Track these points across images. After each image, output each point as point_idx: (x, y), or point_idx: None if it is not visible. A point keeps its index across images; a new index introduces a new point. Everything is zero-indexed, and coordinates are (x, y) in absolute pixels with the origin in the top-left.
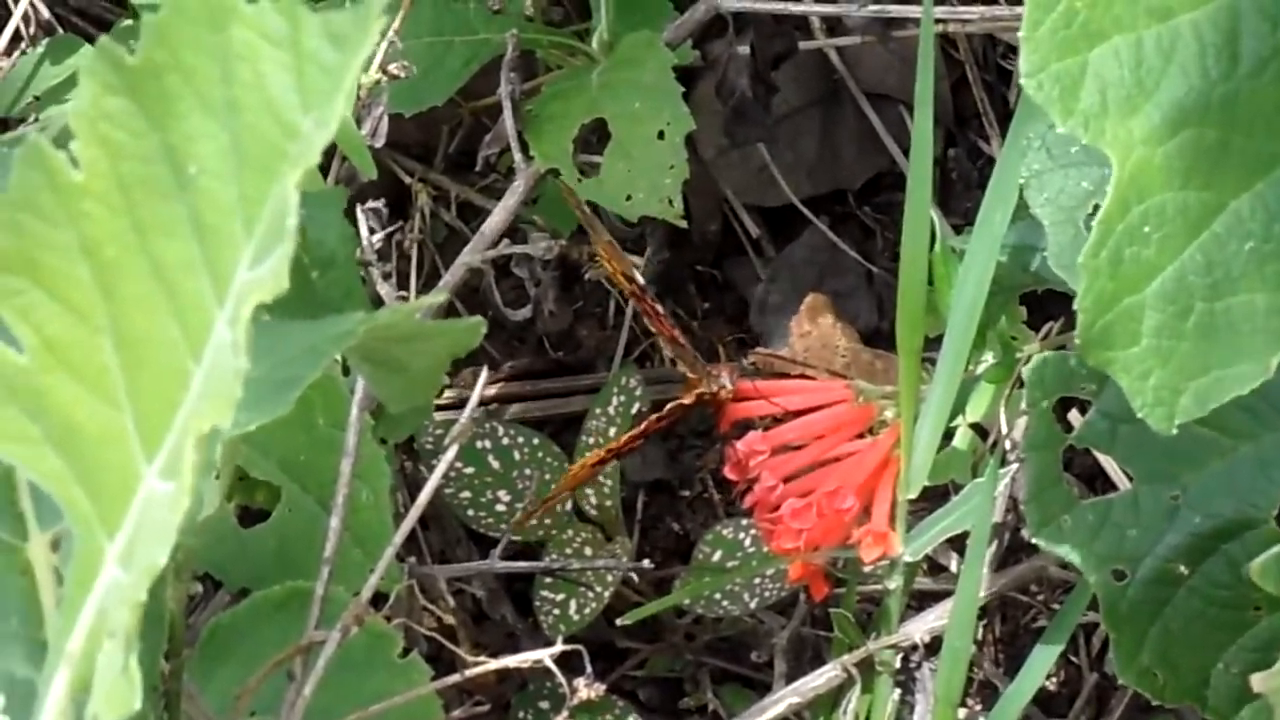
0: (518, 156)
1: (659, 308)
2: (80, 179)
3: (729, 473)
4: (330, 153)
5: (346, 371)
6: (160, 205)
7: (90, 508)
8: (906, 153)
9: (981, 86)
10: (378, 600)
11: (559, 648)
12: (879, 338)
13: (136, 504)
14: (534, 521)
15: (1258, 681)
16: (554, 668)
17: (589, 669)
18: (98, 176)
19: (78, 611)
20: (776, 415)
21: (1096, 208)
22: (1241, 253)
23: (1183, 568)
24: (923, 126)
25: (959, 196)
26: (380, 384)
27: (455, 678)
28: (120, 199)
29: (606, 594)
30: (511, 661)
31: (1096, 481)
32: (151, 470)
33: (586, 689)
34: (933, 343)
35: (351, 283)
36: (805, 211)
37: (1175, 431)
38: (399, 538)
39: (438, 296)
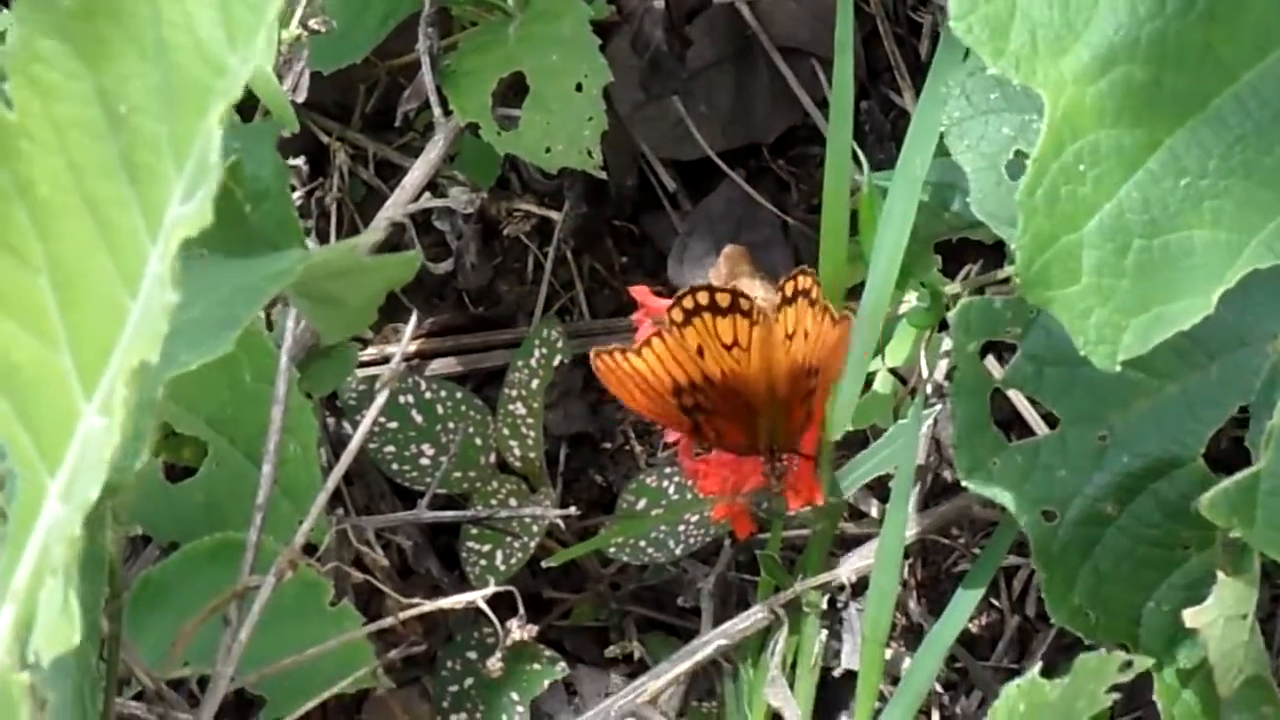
0: (437, 112)
1: None
2: (14, 119)
3: None
4: (253, 106)
5: (270, 326)
6: (93, 145)
7: (32, 446)
8: (819, 105)
9: (893, 40)
10: (307, 552)
11: (491, 589)
12: None
13: (76, 441)
14: (458, 474)
15: (1190, 617)
16: (487, 609)
17: (521, 611)
18: (31, 117)
19: (22, 549)
20: None
21: (1018, 153)
22: (1178, 189)
23: (1111, 507)
24: (843, 70)
25: (872, 149)
26: (318, 317)
27: (388, 621)
28: (54, 139)
29: (532, 544)
30: (444, 604)
31: (1014, 427)
32: (90, 407)
33: (519, 630)
34: (851, 292)
35: (285, 215)
36: (721, 165)
37: (1118, 369)
38: (330, 485)
39: (372, 235)
